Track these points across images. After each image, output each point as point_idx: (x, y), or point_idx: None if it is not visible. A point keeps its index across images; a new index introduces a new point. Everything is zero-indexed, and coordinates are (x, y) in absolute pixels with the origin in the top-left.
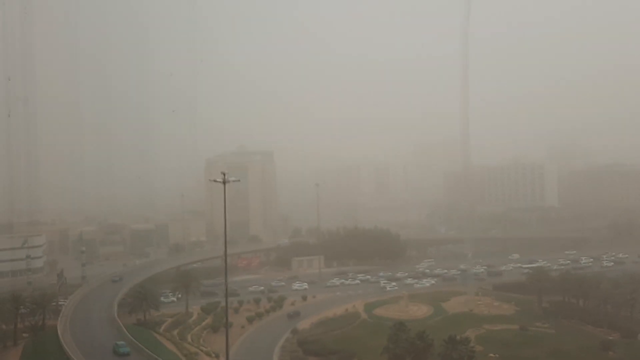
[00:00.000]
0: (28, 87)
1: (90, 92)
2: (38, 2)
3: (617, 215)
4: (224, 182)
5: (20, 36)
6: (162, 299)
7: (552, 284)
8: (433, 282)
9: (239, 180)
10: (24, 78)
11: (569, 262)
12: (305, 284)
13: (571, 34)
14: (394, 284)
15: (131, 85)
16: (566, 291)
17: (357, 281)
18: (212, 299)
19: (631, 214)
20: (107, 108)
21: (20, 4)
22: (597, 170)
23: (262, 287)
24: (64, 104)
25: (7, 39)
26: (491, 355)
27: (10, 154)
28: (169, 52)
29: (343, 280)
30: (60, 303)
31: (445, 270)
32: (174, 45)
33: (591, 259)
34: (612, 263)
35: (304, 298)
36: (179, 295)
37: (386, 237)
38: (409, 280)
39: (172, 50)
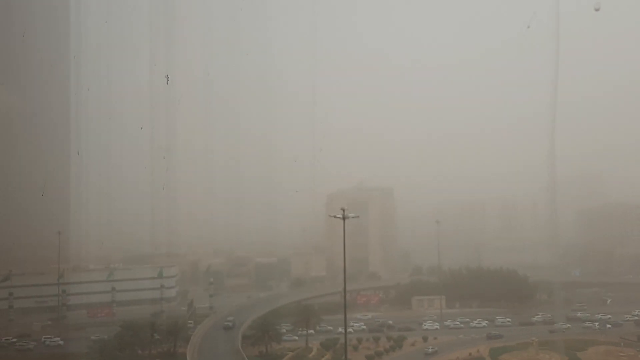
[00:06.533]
0: (169, 136)
1: (223, 134)
2: (180, 58)
3: None
4: (344, 218)
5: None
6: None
7: None
8: (568, 326)
9: (358, 217)
10: (167, 129)
11: None
12: (437, 324)
13: None
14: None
15: (259, 121)
16: None
17: (484, 324)
18: (330, 335)
19: None
20: (237, 146)
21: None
22: None
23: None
24: (199, 144)
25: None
26: None
27: (153, 190)
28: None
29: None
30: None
31: (583, 317)
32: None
33: None
34: None
35: (425, 339)
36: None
37: (513, 279)
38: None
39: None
